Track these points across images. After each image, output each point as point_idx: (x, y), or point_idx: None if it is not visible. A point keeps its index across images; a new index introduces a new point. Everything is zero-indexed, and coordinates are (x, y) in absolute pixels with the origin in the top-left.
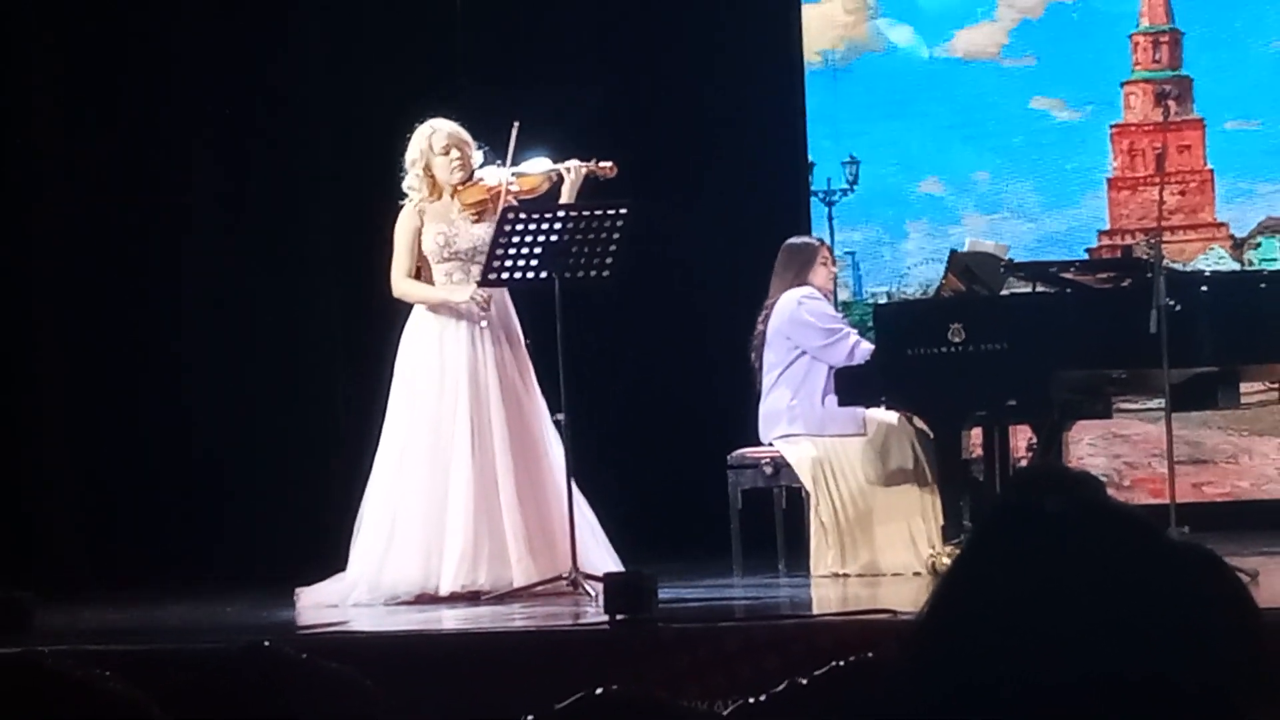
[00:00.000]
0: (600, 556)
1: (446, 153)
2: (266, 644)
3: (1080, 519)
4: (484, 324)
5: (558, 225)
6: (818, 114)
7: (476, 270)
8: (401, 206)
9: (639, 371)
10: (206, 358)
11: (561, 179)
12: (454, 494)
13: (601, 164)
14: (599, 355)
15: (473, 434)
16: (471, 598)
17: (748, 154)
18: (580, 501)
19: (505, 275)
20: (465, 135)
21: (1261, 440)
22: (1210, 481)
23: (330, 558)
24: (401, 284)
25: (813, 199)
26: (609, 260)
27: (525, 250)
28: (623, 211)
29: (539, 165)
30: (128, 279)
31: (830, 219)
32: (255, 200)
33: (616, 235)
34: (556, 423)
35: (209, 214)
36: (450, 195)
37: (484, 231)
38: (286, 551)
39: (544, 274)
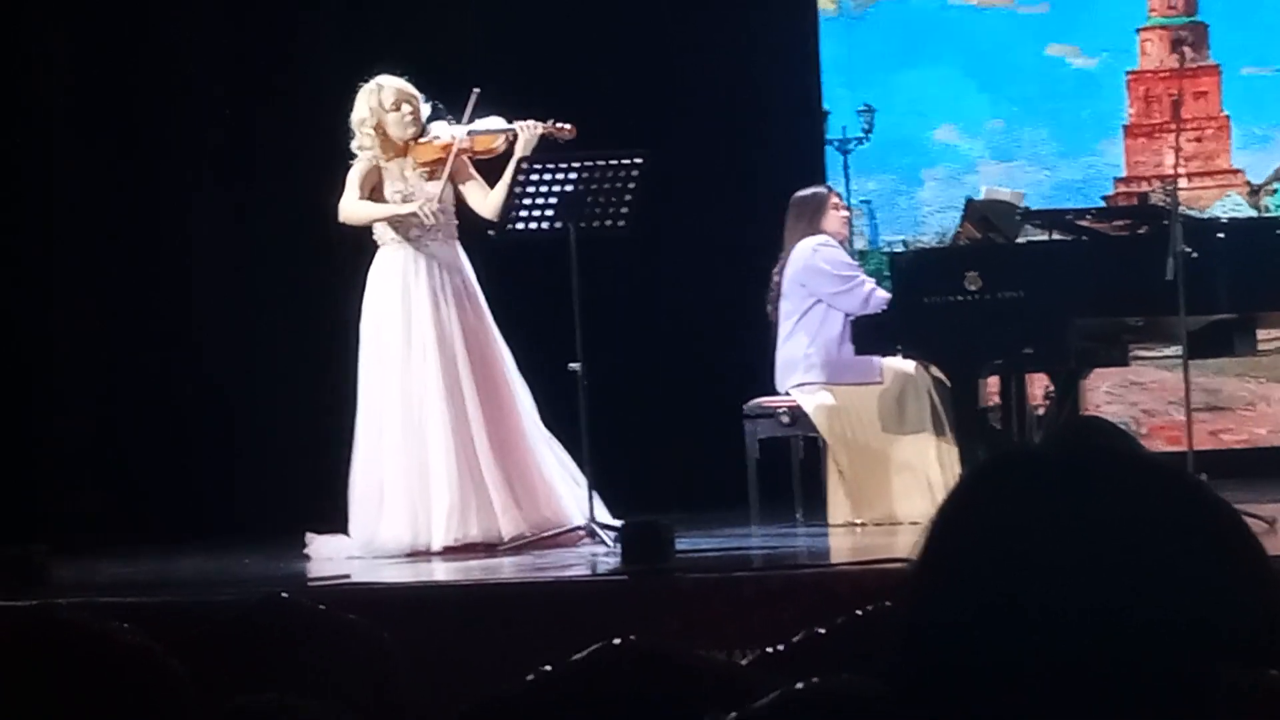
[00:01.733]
0: (585, 501)
1: (398, 108)
2: (284, 596)
3: (1072, 459)
4: (434, 237)
5: (573, 175)
6: (832, 62)
7: (434, 226)
8: (349, 167)
9: (655, 321)
10: (219, 314)
11: (516, 138)
12: (434, 453)
13: (559, 125)
14: (615, 305)
15: (445, 392)
16: (487, 549)
17: (762, 103)
18: (558, 448)
19: (521, 226)
20: (412, 89)
21: (1278, 387)
22: (1228, 429)
23: (345, 510)
24: (349, 206)
25: (828, 148)
26: (624, 210)
27: (540, 200)
28: (638, 161)
29: (493, 124)
30: (143, 238)
31: (846, 168)
32: (265, 161)
33: (632, 185)
34: (572, 373)
35: (219, 176)
36: (404, 153)
37: (437, 189)
38: (302, 504)
39: (559, 224)
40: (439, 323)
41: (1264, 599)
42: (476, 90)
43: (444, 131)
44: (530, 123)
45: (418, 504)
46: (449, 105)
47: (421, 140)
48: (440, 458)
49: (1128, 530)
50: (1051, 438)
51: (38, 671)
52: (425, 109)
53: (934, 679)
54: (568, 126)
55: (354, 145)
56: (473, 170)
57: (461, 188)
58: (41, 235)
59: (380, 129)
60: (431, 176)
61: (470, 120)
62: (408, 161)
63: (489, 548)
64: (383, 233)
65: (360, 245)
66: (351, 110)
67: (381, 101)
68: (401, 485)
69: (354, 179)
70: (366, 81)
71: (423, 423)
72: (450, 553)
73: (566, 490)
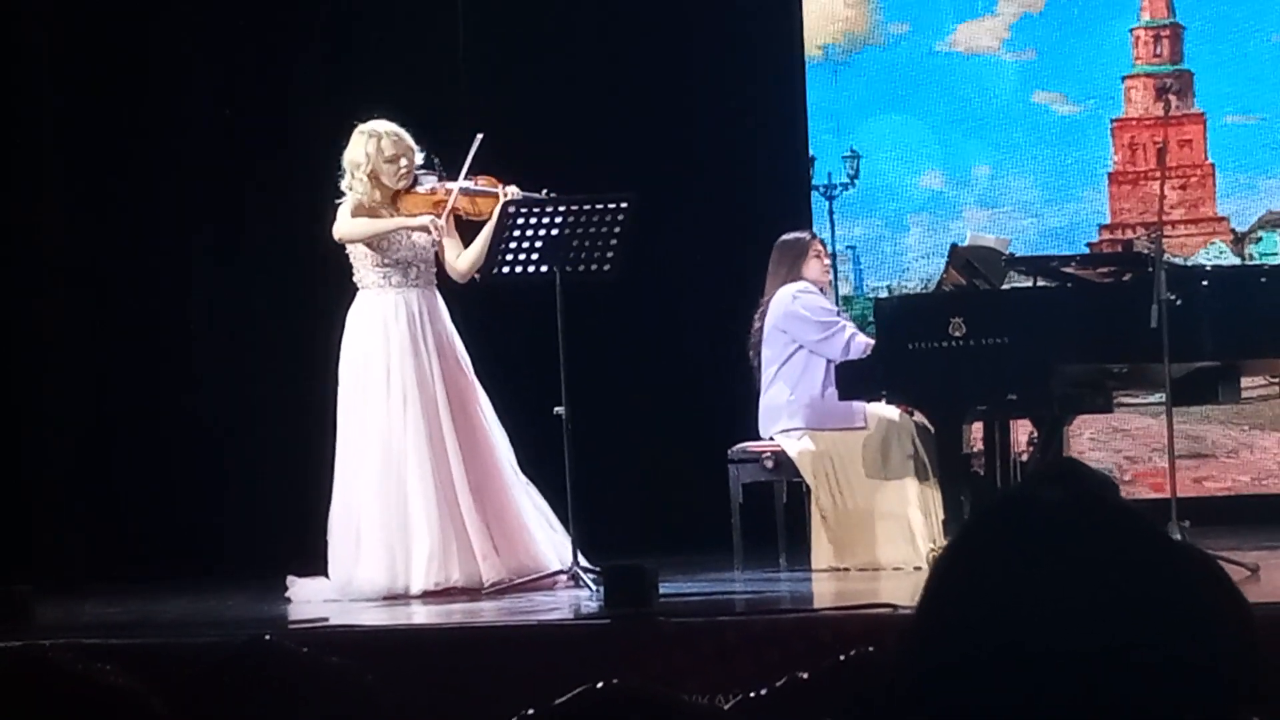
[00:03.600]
0: (562, 546)
1: (395, 160)
2: (268, 638)
3: (1073, 508)
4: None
5: (559, 219)
6: (818, 108)
7: (414, 273)
8: (337, 206)
9: (640, 366)
10: (206, 353)
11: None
12: (414, 497)
13: (548, 194)
14: (600, 350)
15: (426, 437)
16: (467, 594)
17: (749, 148)
18: (535, 494)
19: (506, 270)
20: (410, 141)
21: (1262, 435)
22: (1211, 476)
23: (325, 553)
24: (348, 224)
25: (814, 193)
26: (610, 254)
27: (526, 244)
28: (624, 205)
29: (486, 186)
30: (131, 276)
31: (831, 213)
32: (257, 203)
33: (618, 229)
34: (557, 416)
35: (210, 217)
36: (393, 201)
37: (421, 239)
38: (286, 545)
39: (545, 268)
40: (419, 368)
41: (1252, 646)
42: (480, 135)
43: (436, 184)
44: (514, 189)
45: (396, 548)
46: (442, 149)
47: (414, 190)
48: (420, 502)
49: (1133, 577)
50: (1036, 480)
51: (21, 712)
52: (419, 158)
53: None
54: (553, 197)
55: (344, 184)
56: (453, 226)
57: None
58: (32, 273)
59: (374, 176)
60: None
61: (470, 169)
62: (397, 210)
63: (469, 593)
64: (364, 276)
65: (344, 289)
66: (345, 147)
67: (381, 149)
68: (379, 528)
69: (346, 210)
70: (363, 121)
71: (402, 467)
72: (429, 597)
73: (544, 536)
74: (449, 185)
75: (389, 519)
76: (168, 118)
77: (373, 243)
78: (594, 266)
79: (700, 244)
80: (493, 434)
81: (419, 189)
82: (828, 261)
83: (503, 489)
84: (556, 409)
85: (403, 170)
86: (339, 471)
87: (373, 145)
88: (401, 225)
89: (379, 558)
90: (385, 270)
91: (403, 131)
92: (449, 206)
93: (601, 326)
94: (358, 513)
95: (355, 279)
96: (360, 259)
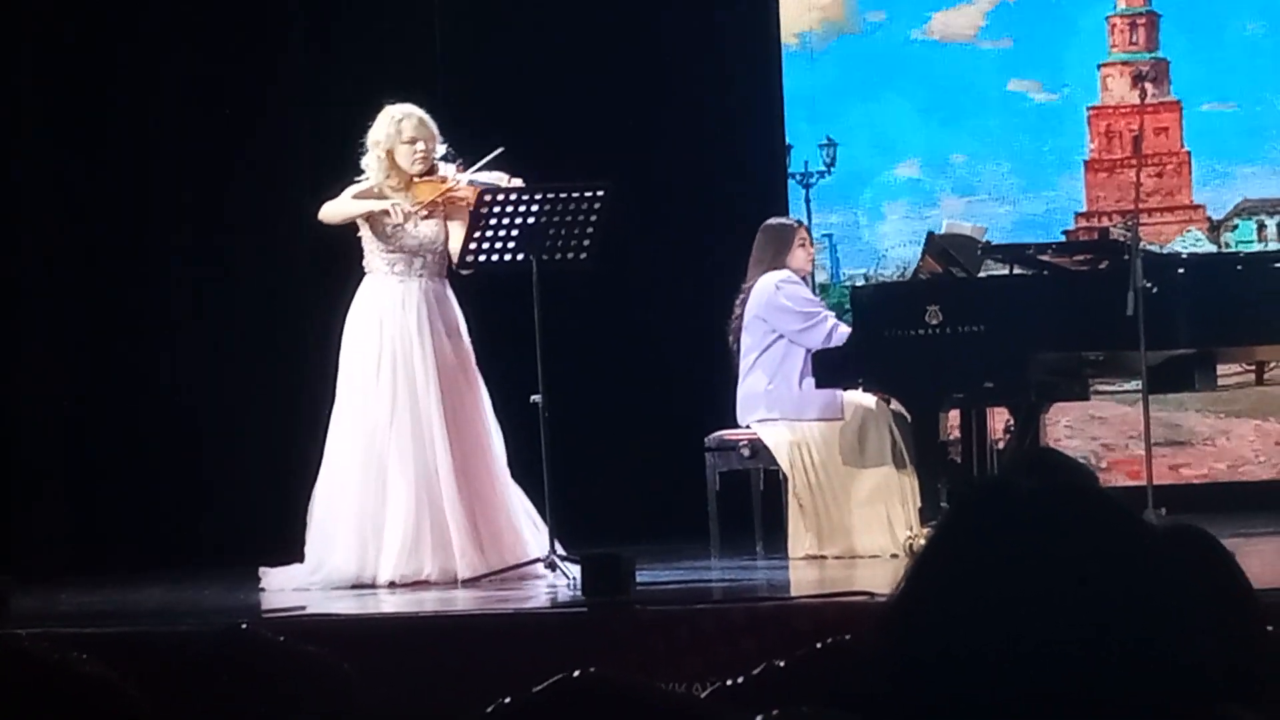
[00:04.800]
0: (542, 545)
1: (412, 142)
2: (244, 626)
3: (1053, 498)
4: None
5: (535, 207)
6: (795, 96)
7: (420, 263)
8: (354, 181)
9: (617, 354)
10: (186, 343)
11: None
12: (393, 487)
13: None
14: (577, 338)
15: (410, 427)
16: (448, 584)
17: (725, 136)
18: (520, 493)
19: (483, 258)
20: (433, 127)
21: (1238, 422)
22: (1187, 463)
23: (303, 539)
24: (328, 204)
25: (790, 181)
26: (587, 242)
27: (503, 233)
28: (600, 193)
29: (496, 179)
30: (111, 266)
31: (808, 201)
32: (237, 193)
33: (594, 217)
34: (534, 405)
35: (189, 207)
36: (406, 187)
37: (430, 230)
38: (263, 534)
39: (521, 256)
40: (413, 358)
41: (1247, 635)
42: (500, 149)
43: (449, 172)
44: (519, 183)
45: (369, 537)
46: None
47: (425, 179)
48: (399, 493)
49: (1111, 565)
50: (1014, 470)
51: None
52: (440, 149)
53: (916, 711)
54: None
55: (363, 162)
56: (466, 215)
57: (449, 223)
58: (6, 264)
59: (390, 156)
60: (428, 216)
61: (479, 173)
62: (408, 197)
63: (442, 584)
64: (371, 261)
65: (332, 286)
66: (370, 126)
67: (400, 130)
68: (354, 516)
69: (350, 191)
70: (394, 103)
71: (384, 457)
72: (397, 588)
73: (530, 536)
74: (459, 177)
75: (365, 508)
76: (148, 107)
77: (379, 230)
78: (570, 255)
79: (677, 232)
80: (489, 431)
81: (432, 179)
82: (812, 251)
83: (493, 486)
84: (533, 397)
85: (419, 154)
86: (326, 455)
87: (394, 126)
88: (367, 209)
89: (351, 546)
90: (391, 258)
91: (427, 117)
92: (445, 189)
93: (578, 315)
94: (337, 499)
95: (364, 264)
96: (369, 244)
